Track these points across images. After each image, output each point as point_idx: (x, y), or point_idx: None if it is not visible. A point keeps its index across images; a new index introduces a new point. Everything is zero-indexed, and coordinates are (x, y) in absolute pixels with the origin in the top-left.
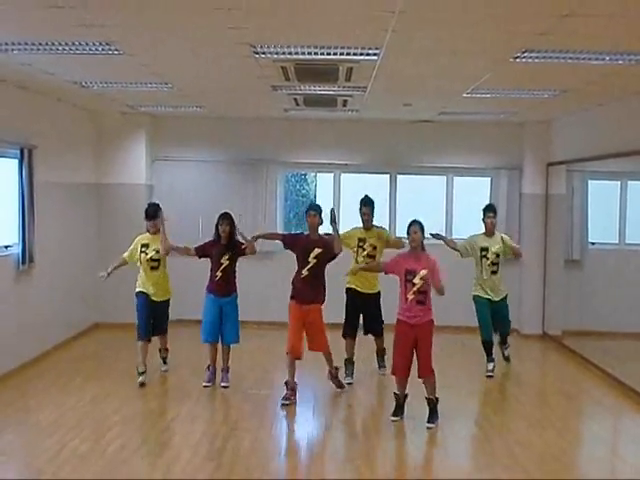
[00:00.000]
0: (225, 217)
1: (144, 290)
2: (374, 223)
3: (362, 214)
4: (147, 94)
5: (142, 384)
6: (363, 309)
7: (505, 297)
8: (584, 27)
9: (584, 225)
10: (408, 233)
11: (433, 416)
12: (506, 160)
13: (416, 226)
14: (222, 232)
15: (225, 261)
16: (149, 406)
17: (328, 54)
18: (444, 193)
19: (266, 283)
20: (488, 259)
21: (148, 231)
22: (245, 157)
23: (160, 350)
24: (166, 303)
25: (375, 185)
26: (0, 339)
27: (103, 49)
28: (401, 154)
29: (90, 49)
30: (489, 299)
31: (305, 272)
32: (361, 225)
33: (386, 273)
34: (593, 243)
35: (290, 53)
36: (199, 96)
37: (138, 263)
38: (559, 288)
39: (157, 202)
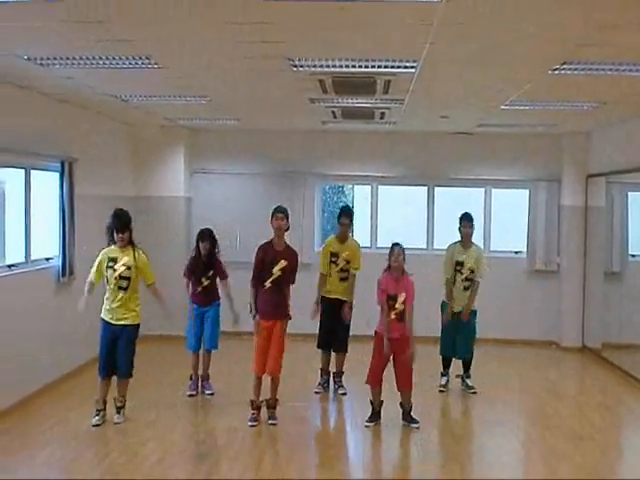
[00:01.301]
0: (205, 235)
1: (105, 316)
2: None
3: (340, 224)
4: (185, 107)
5: (96, 425)
6: (334, 320)
7: (473, 313)
8: (624, 38)
9: (624, 237)
10: (391, 256)
11: (412, 418)
12: (545, 172)
13: (399, 249)
14: (203, 249)
15: (205, 281)
16: (187, 417)
17: (366, 67)
18: (482, 205)
19: None
20: (462, 274)
21: (114, 243)
22: (282, 169)
23: (115, 398)
24: (129, 330)
25: (413, 197)
26: (41, 350)
27: (143, 63)
28: (439, 166)
29: (130, 63)
30: (454, 312)
31: (268, 284)
32: (335, 235)
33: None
34: (633, 255)
35: (328, 66)
36: (237, 109)
37: (105, 280)
38: (599, 300)
39: (125, 210)
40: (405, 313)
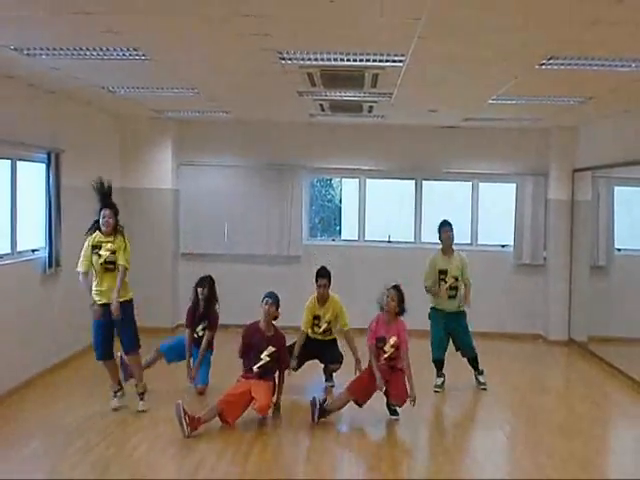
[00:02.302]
0: (204, 282)
1: (97, 298)
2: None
3: (318, 286)
4: (173, 99)
5: (115, 409)
6: (318, 352)
7: (462, 312)
8: (610, 34)
9: (610, 231)
10: (383, 302)
11: (394, 410)
12: (532, 166)
13: (394, 293)
14: (200, 294)
15: (201, 331)
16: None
17: (354, 60)
18: (469, 199)
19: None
20: (446, 282)
21: (100, 230)
22: (271, 162)
23: (136, 385)
24: (124, 307)
25: (400, 191)
26: (26, 342)
27: (130, 54)
28: (427, 160)
29: (117, 54)
30: (444, 311)
31: (256, 369)
32: (315, 297)
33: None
34: (619, 249)
35: (316, 59)
36: (225, 101)
37: (92, 270)
38: (585, 294)
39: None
40: (395, 359)
